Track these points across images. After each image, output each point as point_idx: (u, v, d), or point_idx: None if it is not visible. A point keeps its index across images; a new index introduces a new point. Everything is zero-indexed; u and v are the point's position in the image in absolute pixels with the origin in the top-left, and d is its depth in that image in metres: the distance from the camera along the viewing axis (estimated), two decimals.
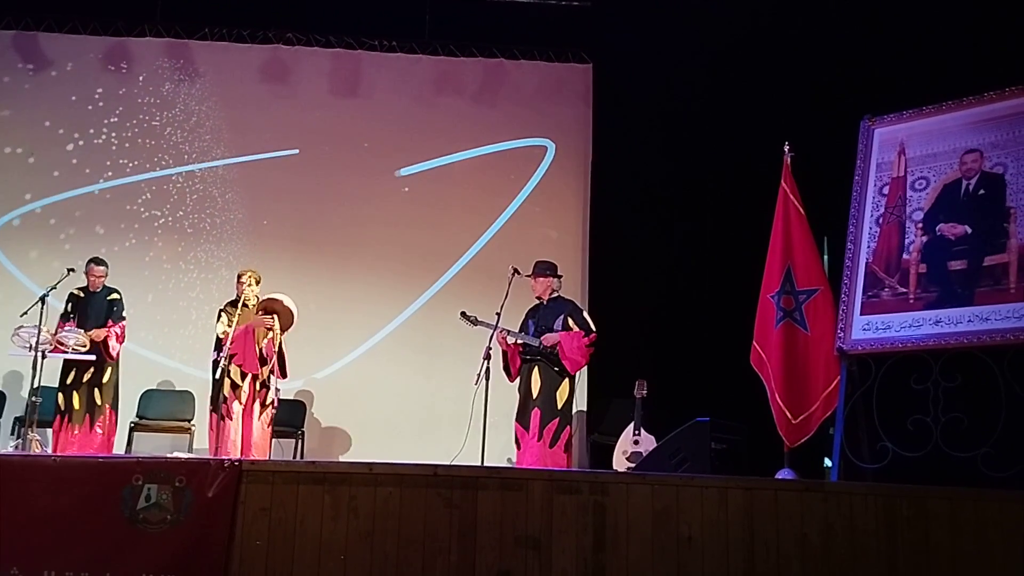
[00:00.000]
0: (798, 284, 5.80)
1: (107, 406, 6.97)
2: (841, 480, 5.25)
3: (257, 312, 6.71)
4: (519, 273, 6.54)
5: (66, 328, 6.75)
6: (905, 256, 5.48)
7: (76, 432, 6.84)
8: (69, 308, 6.99)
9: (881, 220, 5.66)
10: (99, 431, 6.92)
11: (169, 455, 5.08)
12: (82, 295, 7.07)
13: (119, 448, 7.26)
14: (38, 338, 6.41)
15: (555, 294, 6.66)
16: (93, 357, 6.83)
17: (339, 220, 8.48)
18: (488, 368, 6.17)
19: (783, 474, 5.46)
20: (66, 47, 8.54)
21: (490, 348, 6.25)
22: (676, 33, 7.94)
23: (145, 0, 8.44)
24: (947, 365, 5.10)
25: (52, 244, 8.25)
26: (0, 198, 8.35)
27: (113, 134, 8.49)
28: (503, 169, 8.66)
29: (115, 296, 7.12)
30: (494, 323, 6.38)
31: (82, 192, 8.40)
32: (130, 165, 8.46)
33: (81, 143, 8.45)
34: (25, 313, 6.52)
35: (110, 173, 8.42)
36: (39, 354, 6.41)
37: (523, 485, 4.29)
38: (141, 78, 8.55)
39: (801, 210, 5.91)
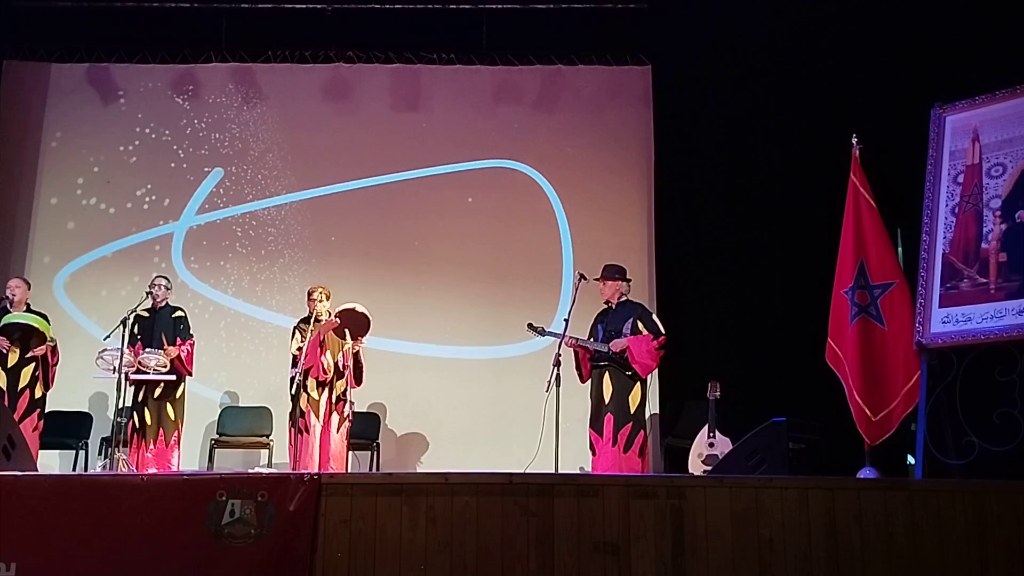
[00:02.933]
0: (872, 278, 5.69)
1: (180, 421, 7.08)
2: (926, 477, 5.13)
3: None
4: (585, 278, 6.51)
5: (146, 351, 6.91)
6: (984, 245, 5.34)
7: (152, 447, 6.93)
8: (136, 330, 6.98)
9: (957, 209, 5.52)
10: (176, 446, 7.03)
11: (250, 470, 5.18)
12: (147, 315, 7.08)
13: (200, 465, 7.41)
14: (121, 360, 6.59)
15: (623, 298, 6.61)
16: (173, 377, 6.99)
17: (407, 234, 8.55)
18: (559, 375, 6.15)
19: (865, 473, 5.35)
20: (136, 77, 8.75)
21: (560, 355, 6.24)
22: (735, 29, 7.86)
23: (210, 26, 8.62)
24: None
25: (120, 281, 8.38)
26: (80, 236, 8.56)
27: (184, 166, 8.65)
28: (564, 176, 8.65)
29: (180, 314, 7.16)
30: (562, 330, 6.37)
31: (160, 230, 8.58)
32: (201, 199, 8.59)
33: (153, 177, 8.63)
34: (108, 336, 6.72)
35: (180, 203, 8.59)
36: (123, 376, 6.59)
37: (599, 491, 4.27)
38: (209, 103, 8.72)
39: (872, 203, 5.79)
